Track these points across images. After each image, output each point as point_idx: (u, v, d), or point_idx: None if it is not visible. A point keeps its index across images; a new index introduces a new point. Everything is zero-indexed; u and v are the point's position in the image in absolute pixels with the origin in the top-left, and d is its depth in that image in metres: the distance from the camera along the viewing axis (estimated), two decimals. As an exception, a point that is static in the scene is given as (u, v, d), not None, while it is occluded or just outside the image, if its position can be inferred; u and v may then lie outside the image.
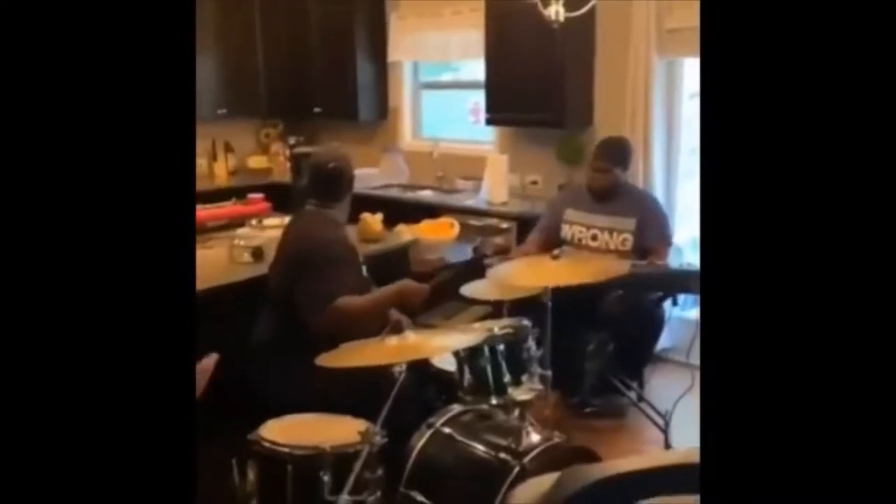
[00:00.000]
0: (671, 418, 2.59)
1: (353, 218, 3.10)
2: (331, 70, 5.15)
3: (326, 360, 1.80)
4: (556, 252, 2.50)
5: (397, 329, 1.84)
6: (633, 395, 3.02)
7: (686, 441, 2.47)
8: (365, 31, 5.03)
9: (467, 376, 2.12)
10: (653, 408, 2.72)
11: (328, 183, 2.48)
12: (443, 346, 1.85)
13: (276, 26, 5.35)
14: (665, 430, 2.60)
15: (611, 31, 3.98)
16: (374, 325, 2.44)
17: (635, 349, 3.16)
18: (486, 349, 2.06)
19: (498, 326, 2.15)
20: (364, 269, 2.52)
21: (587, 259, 2.97)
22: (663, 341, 3.41)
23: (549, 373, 2.19)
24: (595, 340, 2.99)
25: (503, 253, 3.71)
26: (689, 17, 3.36)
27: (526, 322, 2.16)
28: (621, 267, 2.32)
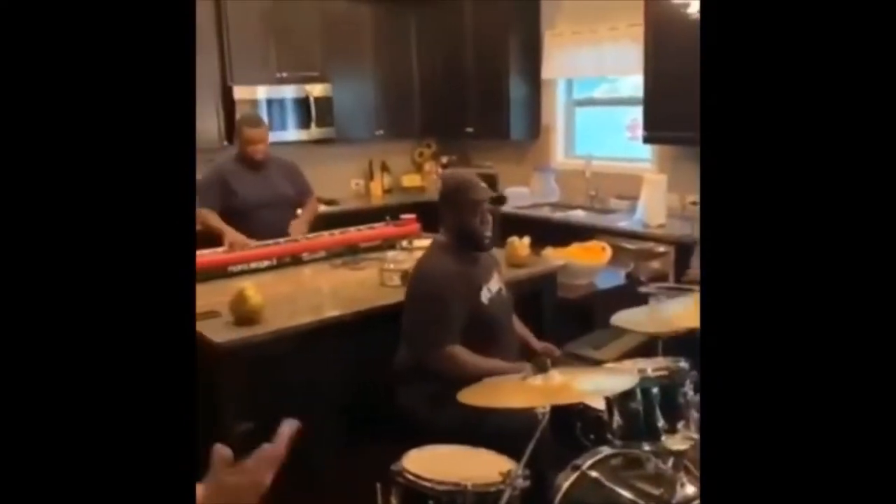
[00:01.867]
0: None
1: (501, 241, 3.06)
2: (484, 90, 5.18)
3: (468, 396, 1.76)
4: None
5: (542, 367, 1.76)
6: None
7: None
8: (519, 49, 5.01)
9: (617, 419, 1.99)
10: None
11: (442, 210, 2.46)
12: (590, 390, 1.75)
13: (432, 48, 5.48)
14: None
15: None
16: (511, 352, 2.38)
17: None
18: (639, 392, 1.92)
19: (652, 367, 2.00)
20: (487, 297, 2.42)
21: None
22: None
23: (708, 418, 2.00)
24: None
25: (660, 279, 3.51)
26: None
27: (684, 364, 2.00)
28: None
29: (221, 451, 1.00)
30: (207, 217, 3.45)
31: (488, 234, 2.46)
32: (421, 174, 5.83)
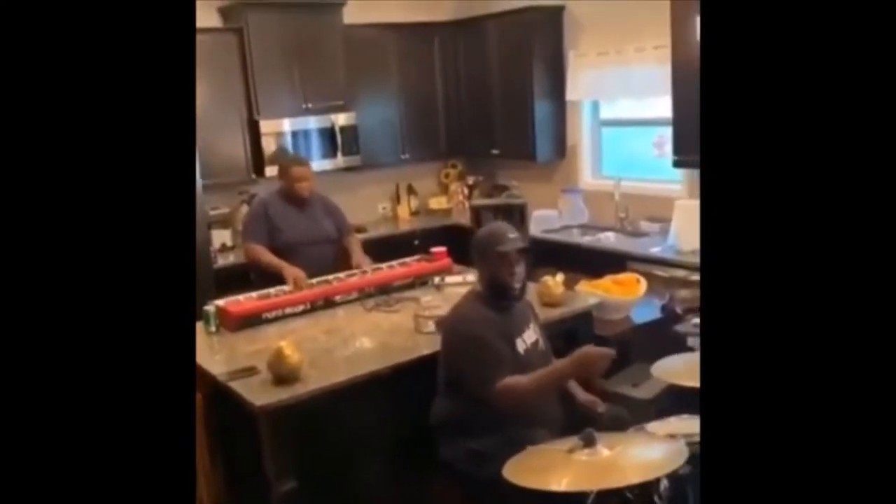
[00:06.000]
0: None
1: (534, 275, 3.03)
2: (508, 112, 5.15)
3: (513, 473, 1.74)
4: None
5: (589, 441, 1.74)
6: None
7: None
8: (543, 70, 4.97)
9: (664, 482, 1.96)
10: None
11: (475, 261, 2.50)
12: (641, 467, 1.70)
13: (455, 71, 5.47)
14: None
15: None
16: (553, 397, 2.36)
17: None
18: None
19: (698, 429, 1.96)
20: (522, 347, 2.40)
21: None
22: None
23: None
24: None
25: (694, 310, 3.46)
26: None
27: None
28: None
29: None
30: (261, 253, 3.50)
31: (517, 284, 2.46)
32: (447, 195, 5.82)
